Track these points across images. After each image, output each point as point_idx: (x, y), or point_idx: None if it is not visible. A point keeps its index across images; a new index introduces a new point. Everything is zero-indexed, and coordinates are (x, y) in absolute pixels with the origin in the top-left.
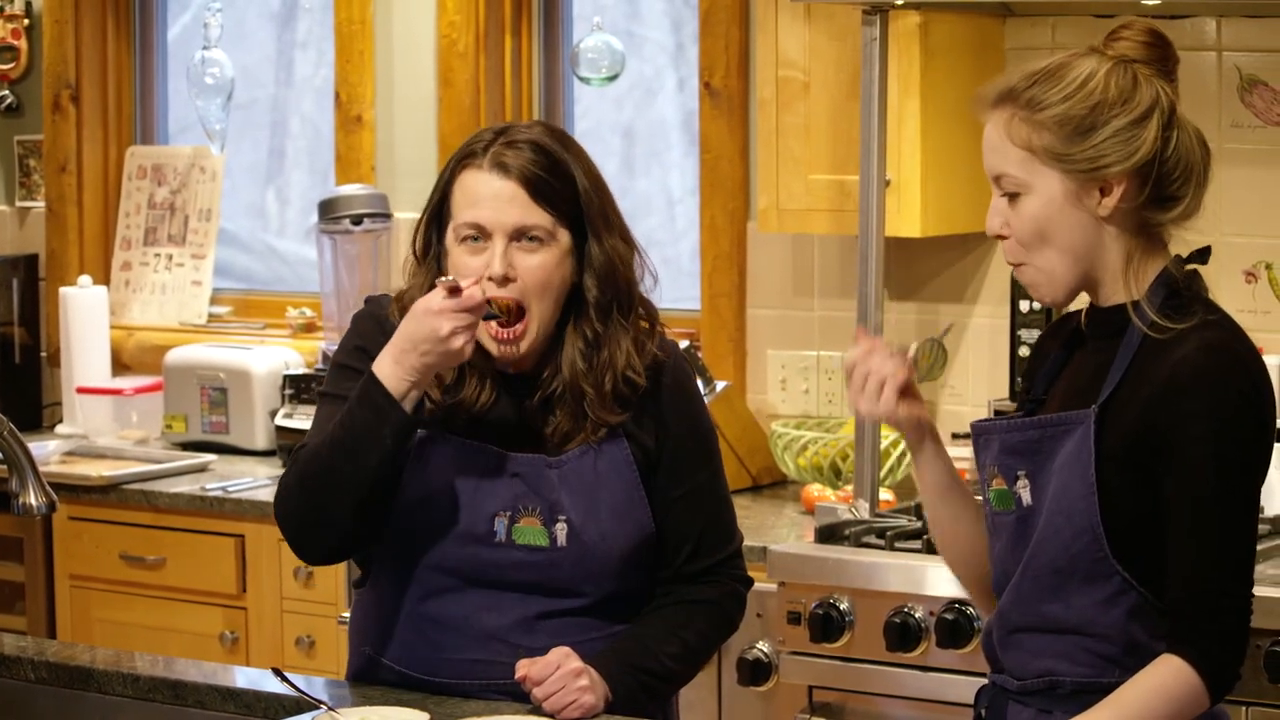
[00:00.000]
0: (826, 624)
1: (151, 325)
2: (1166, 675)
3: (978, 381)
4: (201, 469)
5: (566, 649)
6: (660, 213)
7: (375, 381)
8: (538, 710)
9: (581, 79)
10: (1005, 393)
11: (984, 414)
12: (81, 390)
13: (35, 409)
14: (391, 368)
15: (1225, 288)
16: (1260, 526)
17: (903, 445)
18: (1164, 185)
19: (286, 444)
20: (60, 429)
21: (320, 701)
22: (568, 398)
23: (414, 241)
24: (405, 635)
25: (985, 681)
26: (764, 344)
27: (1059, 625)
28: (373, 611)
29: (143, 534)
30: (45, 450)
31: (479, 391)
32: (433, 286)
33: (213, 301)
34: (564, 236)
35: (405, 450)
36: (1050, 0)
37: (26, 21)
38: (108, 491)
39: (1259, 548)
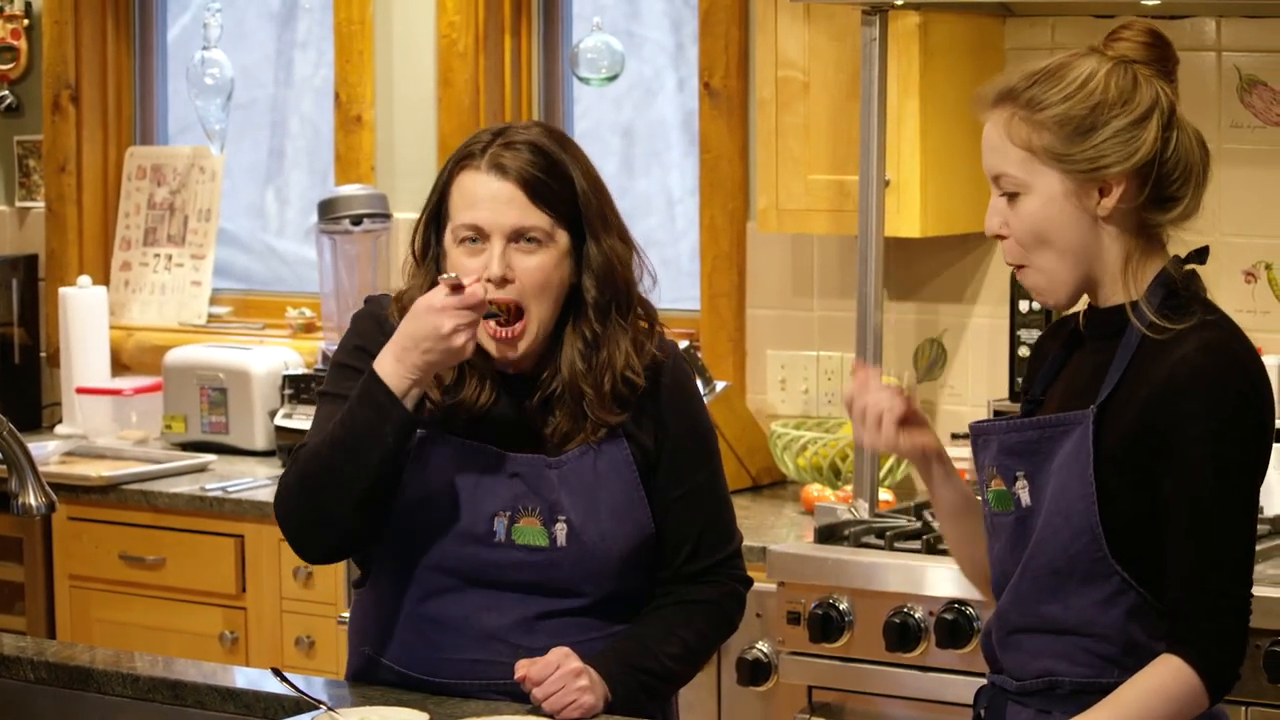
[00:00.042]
0: (826, 624)
1: (151, 325)
2: (1165, 675)
3: (977, 382)
4: (201, 469)
5: (566, 649)
6: (660, 213)
7: (376, 379)
8: (537, 710)
9: (581, 79)
10: (1005, 393)
11: (983, 414)
12: (81, 390)
13: (35, 409)
14: (393, 365)
15: (1225, 288)
16: (1260, 526)
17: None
18: (1163, 186)
19: (286, 444)
20: (60, 429)
21: (320, 702)
22: (567, 398)
23: (413, 242)
24: (405, 635)
25: (984, 682)
26: (763, 344)
27: (1058, 625)
28: (372, 611)
29: (142, 534)
30: (45, 450)
31: (479, 392)
32: (434, 285)
33: (212, 302)
34: (562, 237)
35: (406, 449)
36: (1050, 0)
37: (26, 22)
38: (107, 492)
39: (1258, 548)
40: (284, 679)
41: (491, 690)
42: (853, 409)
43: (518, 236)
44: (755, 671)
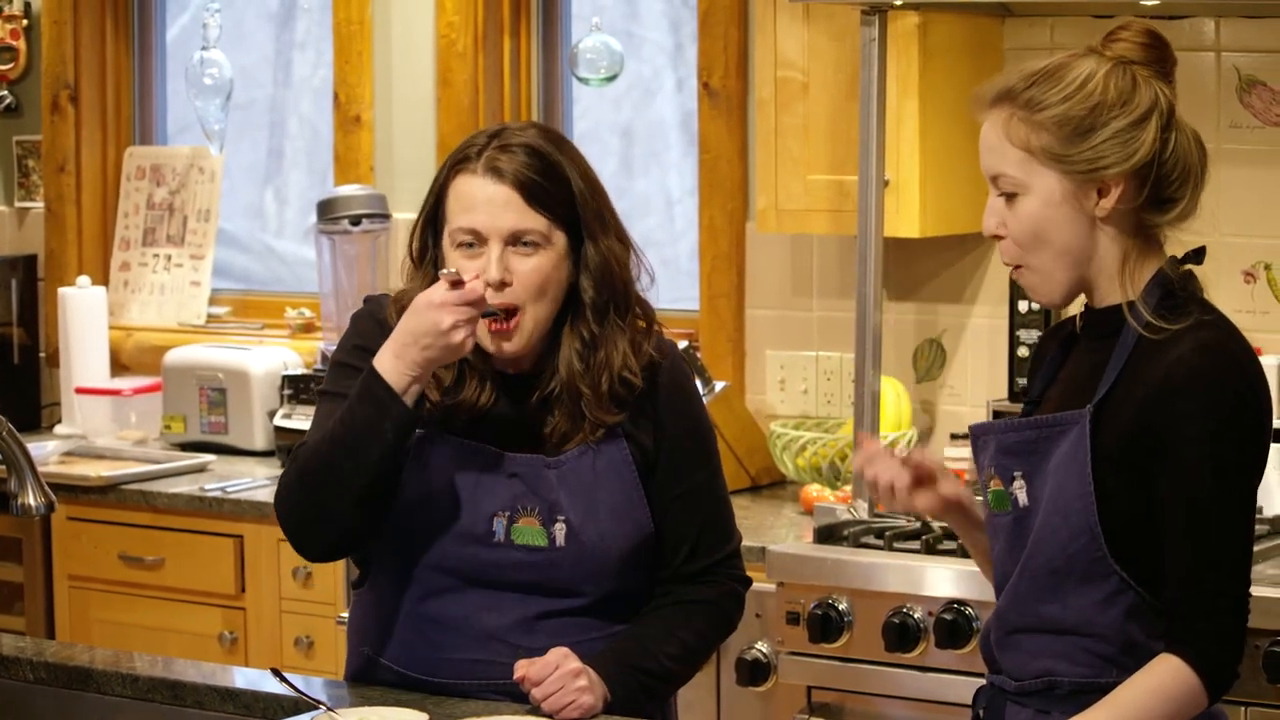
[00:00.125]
0: (825, 624)
1: (150, 326)
2: (1164, 675)
3: (976, 382)
4: (200, 469)
5: (565, 649)
6: (659, 213)
7: (376, 376)
8: (536, 710)
9: (580, 79)
10: (1004, 393)
11: (982, 414)
12: (80, 391)
13: (34, 409)
14: (392, 362)
15: (1224, 288)
16: (1259, 527)
17: (901, 445)
18: (1162, 187)
19: (285, 444)
20: (59, 429)
21: (319, 702)
22: (565, 398)
23: (410, 245)
24: (404, 635)
25: (983, 682)
26: (763, 344)
27: (1057, 626)
28: (372, 611)
29: (141, 534)
30: (44, 451)
31: (479, 393)
32: (434, 283)
33: (211, 302)
34: (559, 239)
35: (406, 446)
36: (1049, 0)
37: (25, 22)
38: (106, 492)
39: (1258, 548)
40: (283, 679)
41: (491, 690)
42: (865, 480)
43: (515, 240)
44: (754, 672)
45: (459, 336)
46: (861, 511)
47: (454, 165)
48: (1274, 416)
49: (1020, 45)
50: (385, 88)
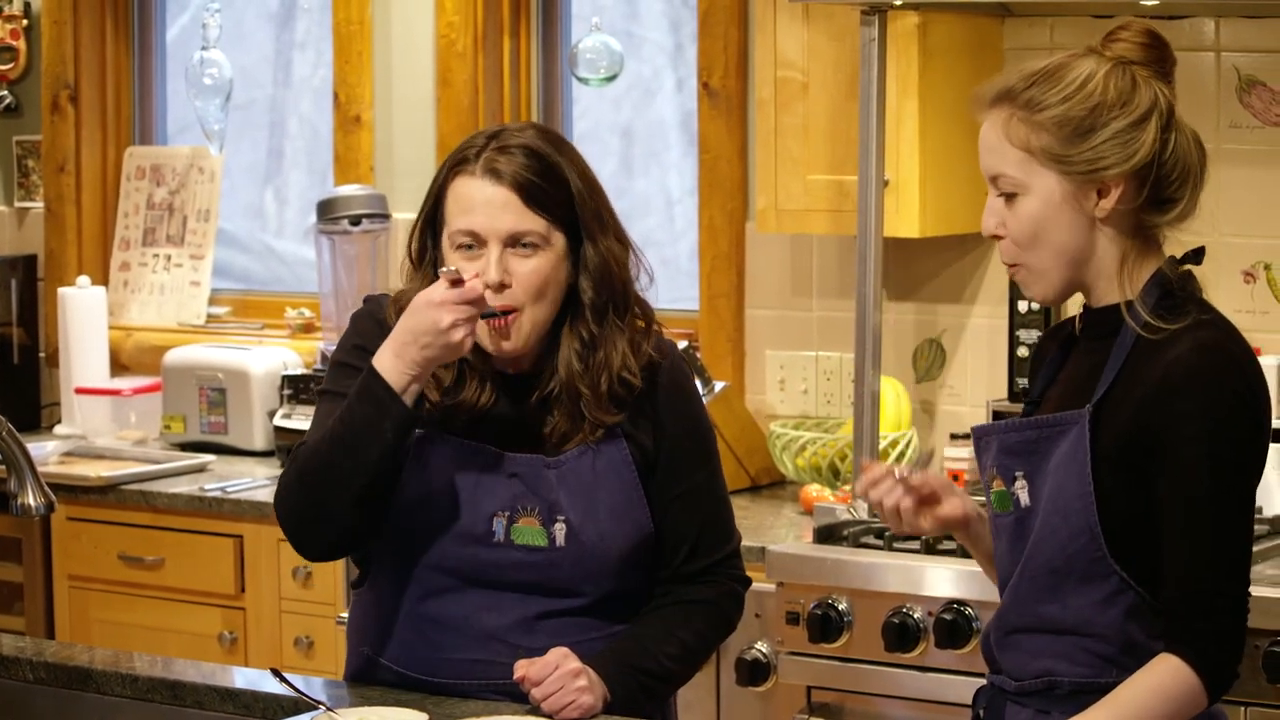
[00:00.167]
0: (825, 624)
1: (150, 326)
2: (1164, 675)
3: (976, 382)
4: (200, 469)
5: (565, 649)
6: (659, 213)
7: (375, 375)
8: (536, 710)
9: (580, 79)
10: (1004, 393)
11: (982, 414)
12: (80, 391)
13: (34, 409)
14: (392, 361)
15: (1224, 288)
16: (1259, 527)
17: (901, 446)
18: (1162, 187)
19: (285, 444)
20: (59, 429)
21: (319, 702)
22: (564, 398)
23: (409, 246)
24: (404, 635)
25: (983, 682)
26: (762, 344)
27: (1056, 626)
28: (371, 611)
29: (141, 534)
30: (44, 451)
31: (479, 393)
32: (433, 283)
33: (211, 302)
34: (559, 240)
35: (406, 446)
36: (1048, 0)
37: (25, 22)
38: (106, 492)
39: (1257, 548)
40: (283, 679)
41: (490, 690)
42: (870, 504)
43: (514, 241)
44: (754, 672)
45: (458, 335)
46: (861, 511)
47: (452, 167)
48: (1273, 416)
49: (1020, 45)
50: (385, 88)
